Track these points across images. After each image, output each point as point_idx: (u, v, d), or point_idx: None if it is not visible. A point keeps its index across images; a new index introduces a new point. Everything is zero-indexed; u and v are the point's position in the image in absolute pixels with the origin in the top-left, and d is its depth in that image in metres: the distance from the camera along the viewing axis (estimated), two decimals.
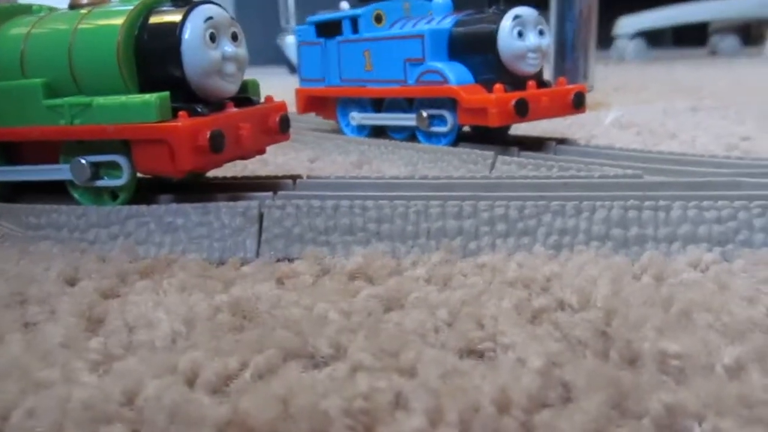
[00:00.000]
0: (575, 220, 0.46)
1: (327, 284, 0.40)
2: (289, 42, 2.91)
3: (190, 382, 0.30)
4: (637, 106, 1.24)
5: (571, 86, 0.72)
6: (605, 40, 3.09)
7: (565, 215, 0.46)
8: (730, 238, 0.44)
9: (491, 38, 0.70)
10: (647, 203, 0.45)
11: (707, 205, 0.45)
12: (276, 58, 3.16)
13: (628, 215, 0.45)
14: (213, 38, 0.50)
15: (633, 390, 0.27)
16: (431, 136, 0.78)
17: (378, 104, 0.84)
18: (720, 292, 0.37)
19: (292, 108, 0.92)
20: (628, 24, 3.11)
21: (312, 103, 0.93)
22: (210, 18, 0.50)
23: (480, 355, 0.31)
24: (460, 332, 0.32)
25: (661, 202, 0.45)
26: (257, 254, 0.47)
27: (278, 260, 0.46)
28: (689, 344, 0.30)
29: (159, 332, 0.35)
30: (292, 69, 2.92)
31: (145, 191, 0.54)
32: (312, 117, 1.00)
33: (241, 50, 0.52)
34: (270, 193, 0.52)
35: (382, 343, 0.31)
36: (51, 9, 0.60)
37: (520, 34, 0.69)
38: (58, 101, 0.51)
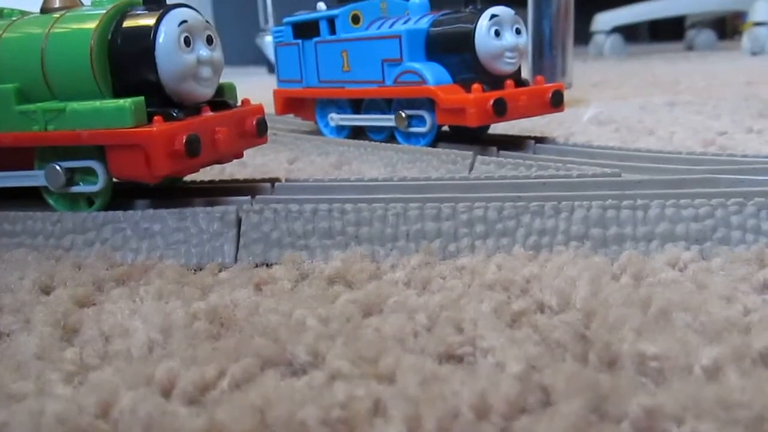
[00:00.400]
0: (554, 220, 0.46)
1: (305, 290, 0.40)
2: (268, 42, 2.90)
3: (167, 393, 0.29)
4: (615, 102, 1.25)
5: (549, 85, 0.72)
6: (583, 36, 3.10)
7: (543, 216, 0.46)
8: (708, 235, 0.44)
9: (468, 38, 0.69)
10: (625, 202, 0.45)
11: (685, 203, 0.45)
12: (255, 58, 3.15)
13: (607, 215, 0.45)
14: (188, 42, 0.49)
15: (612, 393, 0.27)
16: (410, 137, 0.77)
17: (357, 105, 0.84)
18: (698, 292, 0.37)
19: (271, 108, 0.92)
20: (605, 20, 3.13)
21: (290, 104, 0.93)
22: (184, 21, 0.49)
23: (459, 359, 0.31)
24: (439, 337, 0.32)
25: (639, 201, 0.45)
26: (235, 259, 0.47)
27: (256, 265, 0.46)
28: (668, 345, 0.30)
29: (135, 341, 0.34)
30: (272, 69, 2.91)
31: (121, 196, 0.53)
32: (290, 117, 1.00)
33: (217, 54, 0.51)
34: (248, 197, 0.52)
35: (361, 349, 0.31)
36: (23, 13, 0.59)
37: (497, 34, 0.69)
38: (31, 107, 0.50)
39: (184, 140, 0.46)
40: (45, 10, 0.55)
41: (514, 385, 0.27)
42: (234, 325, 0.36)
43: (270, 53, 2.89)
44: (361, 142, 0.80)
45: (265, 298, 0.39)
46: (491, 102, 0.66)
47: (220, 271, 0.45)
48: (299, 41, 0.87)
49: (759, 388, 0.26)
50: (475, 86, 0.67)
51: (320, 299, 0.38)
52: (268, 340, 0.32)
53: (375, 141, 0.81)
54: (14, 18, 0.56)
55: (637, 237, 0.45)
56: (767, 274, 0.38)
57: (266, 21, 2.94)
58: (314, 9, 0.88)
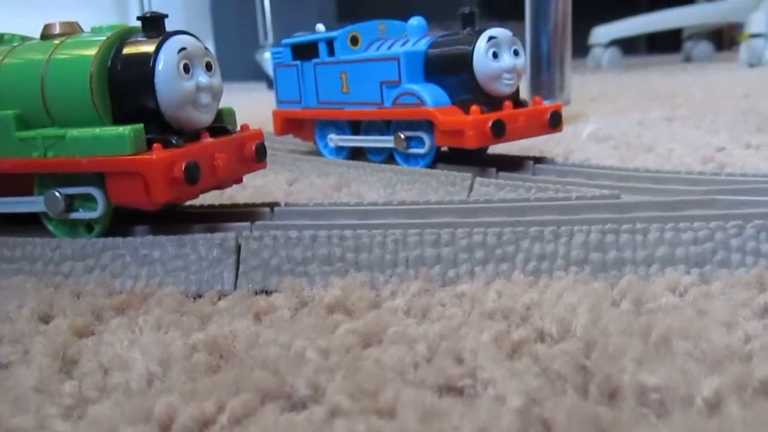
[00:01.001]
0: (554, 245, 0.46)
1: (305, 319, 0.40)
2: (268, 57, 2.91)
3: (166, 428, 0.29)
4: (613, 117, 1.25)
5: (547, 105, 0.73)
6: (581, 48, 3.11)
7: (543, 240, 0.46)
8: (708, 258, 0.44)
9: (466, 59, 0.70)
10: (624, 226, 0.45)
11: (684, 227, 0.45)
12: (255, 73, 3.16)
13: (606, 239, 0.45)
14: (187, 69, 0.49)
15: (613, 426, 0.27)
16: (409, 158, 0.78)
17: (356, 126, 0.84)
18: (698, 318, 0.37)
19: (271, 125, 0.92)
20: (602, 33, 3.14)
21: (289, 124, 0.93)
22: (183, 49, 0.49)
23: (460, 392, 0.31)
24: (439, 368, 0.32)
25: (639, 225, 0.45)
26: (235, 286, 0.47)
27: (256, 293, 0.46)
28: (668, 376, 0.30)
29: (134, 374, 0.34)
30: (271, 84, 2.91)
31: (120, 221, 0.53)
32: (290, 137, 1.00)
33: (216, 80, 0.51)
34: (247, 223, 0.52)
35: (361, 382, 0.31)
36: (23, 38, 0.59)
37: (495, 55, 0.69)
38: (31, 133, 0.50)
39: (183, 167, 0.47)
40: (45, 36, 0.55)
41: (514, 420, 0.27)
42: (233, 357, 0.35)
43: (269, 69, 2.90)
44: (361, 163, 0.80)
45: (265, 328, 0.39)
46: (490, 124, 0.66)
47: (219, 298, 0.45)
48: (298, 62, 0.87)
49: (760, 420, 0.26)
50: (474, 108, 0.67)
51: (320, 329, 0.38)
52: (267, 373, 0.32)
53: (374, 162, 0.81)
54: (15, 44, 0.56)
55: (637, 261, 0.45)
56: None
57: (266, 37, 2.95)
58: (313, 26, 0.88)
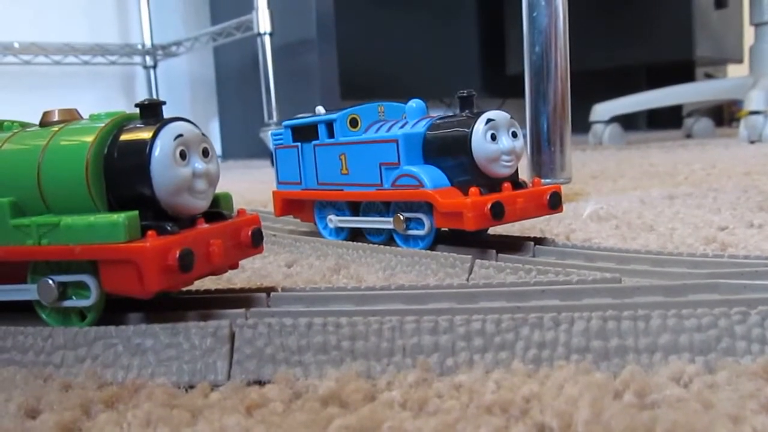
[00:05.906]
0: (554, 332, 0.45)
1: (297, 414, 0.38)
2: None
3: None
4: (614, 196, 1.25)
5: (546, 186, 0.72)
6: (583, 125, 3.15)
7: (543, 328, 0.45)
8: (712, 346, 0.43)
9: (465, 142, 0.70)
10: (626, 313, 0.45)
11: (687, 313, 0.44)
12: (260, 151, 3.19)
13: (608, 326, 0.44)
14: (183, 155, 0.49)
15: None
16: (409, 239, 0.77)
17: (355, 207, 0.84)
18: (704, 411, 0.36)
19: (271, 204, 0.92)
20: (603, 110, 3.18)
21: (289, 205, 0.93)
22: (180, 135, 0.50)
23: None
24: None
25: (641, 311, 0.45)
26: (228, 376, 0.46)
27: (249, 383, 0.45)
28: None
29: None
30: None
31: (114, 308, 0.52)
32: (289, 217, 1.00)
33: (212, 166, 0.51)
34: (242, 310, 0.51)
35: None
36: (23, 125, 0.59)
37: (494, 138, 0.70)
38: (25, 221, 0.50)
39: (177, 255, 0.46)
40: (44, 123, 0.55)
41: None
42: None
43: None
44: (360, 244, 0.79)
45: (256, 423, 0.37)
46: (489, 206, 0.66)
47: (212, 389, 0.44)
48: (298, 144, 0.88)
49: None
50: (473, 190, 0.67)
51: (312, 425, 0.36)
52: None
53: (374, 243, 0.80)
54: (14, 131, 0.56)
55: (639, 349, 0.44)
56: None
57: (270, 116, 2.99)
58: (317, 105, 0.88)
